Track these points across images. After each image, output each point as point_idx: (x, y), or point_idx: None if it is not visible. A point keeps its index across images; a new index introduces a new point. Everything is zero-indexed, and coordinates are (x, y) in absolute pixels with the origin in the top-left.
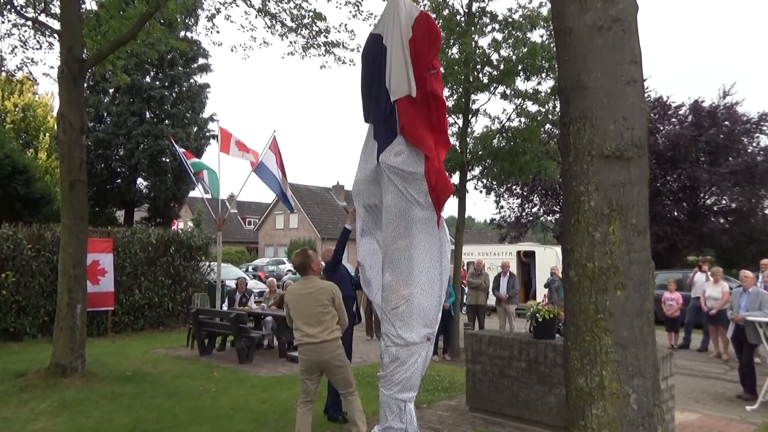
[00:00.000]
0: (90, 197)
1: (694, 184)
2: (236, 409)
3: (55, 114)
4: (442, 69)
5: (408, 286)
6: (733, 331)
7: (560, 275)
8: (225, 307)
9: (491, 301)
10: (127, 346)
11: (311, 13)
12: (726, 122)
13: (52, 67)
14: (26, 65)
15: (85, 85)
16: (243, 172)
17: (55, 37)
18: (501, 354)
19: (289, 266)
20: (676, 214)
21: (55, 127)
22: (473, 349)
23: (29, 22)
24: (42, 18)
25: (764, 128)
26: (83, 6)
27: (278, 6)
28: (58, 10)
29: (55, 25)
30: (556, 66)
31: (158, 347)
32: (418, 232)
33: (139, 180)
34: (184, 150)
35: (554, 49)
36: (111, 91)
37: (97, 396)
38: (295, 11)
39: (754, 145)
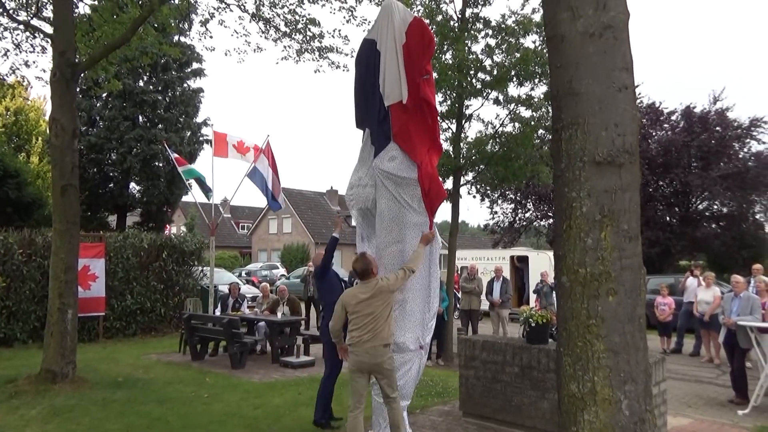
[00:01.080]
0: (82, 202)
1: (686, 189)
2: (228, 415)
3: (47, 118)
4: (435, 75)
5: (401, 291)
6: (724, 336)
7: (549, 280)
8: (218, 313)
9: (485, 305)
10: (119, 351)
11: (305, 19)
12: (717, 128)
13: (44, 71)
14: (18, 68)
15: (78, 89)
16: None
17: (47, 41)
18: (494, 359)
19: (282, 271)
20: (668, 219)
21: (48, 131)
22: (466, 354)
23: (21, 26)
24: (34, 22)
25: (755, 133)
26: (76, 10)
27: (272, 11)
28: (50, 14)
29: (48, 28)
30: (549, 72)
31: (150, 353)
32: (411, 237)
33: (132, 184)
34: (176, 156)
35: (547, 54)
36: (104, 95)
37: (87, 402)
38: (289, 16)
39: (745, 150)
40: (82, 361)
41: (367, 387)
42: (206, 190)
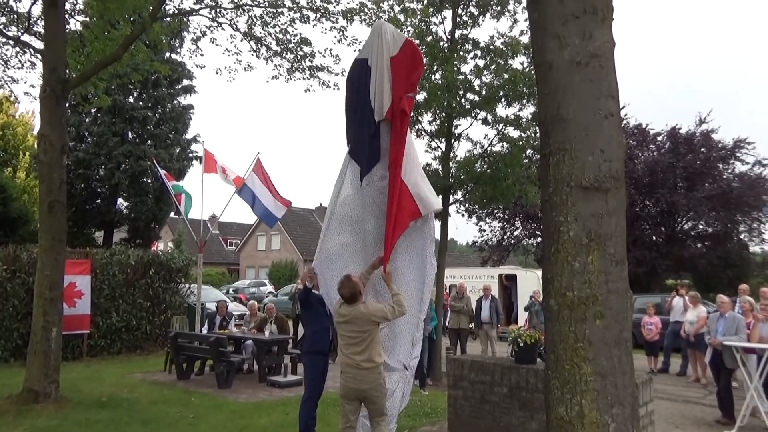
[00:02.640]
0: (68, 217)
1: (672, 209)
2: None
3: (35, 133)
4: (425, 94)
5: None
6: (710, 356)
7: (539, 300)
8: (205, 331)
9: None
10: (103, 370)
11: (297, 38)
12: (702, 149)
13: (32, 86)
14: (6, 84)
15: (67, 104)
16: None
17: (37, 57)
18: (483, 379)
19: (270, 288)
20: (654, 238)
21: (36, 146)
22: (455, 374)
23: (11, 41)
24: (24, 37)
25: (738, 155)
26: (67, 26)
27: (264, 30)
28: (41, 30)
29: (38, 44)
30: (537, 98)
31: (135, 372)
32: (400, 257)
33: (120, 200)
34: (165, 172)
35: (535, 76)
36: (92, 110)
37: (70, 423)
38: (280, 36)
39: (729, 171)
40: (65, 381)
41: (358, 411)
42: (188, 208)
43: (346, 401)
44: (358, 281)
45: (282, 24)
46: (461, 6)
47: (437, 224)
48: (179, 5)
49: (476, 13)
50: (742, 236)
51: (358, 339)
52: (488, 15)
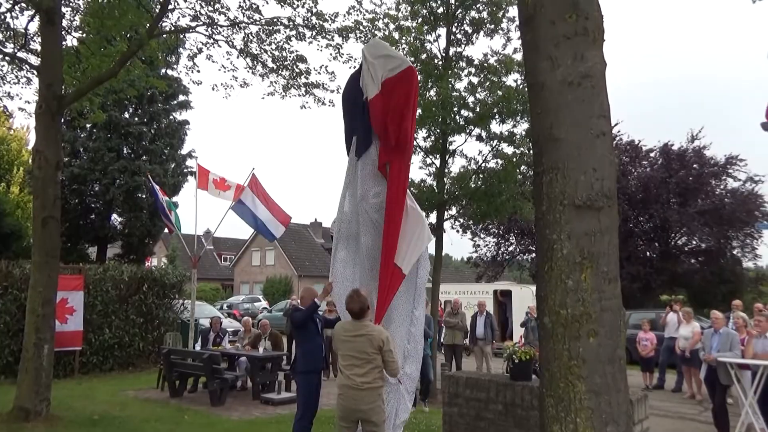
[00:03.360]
0: (62, 233)
1: (665, 224)
2: None
3: (30, 148)
4: (420, 111)
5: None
6: (705, 372)
7: (536, 315)
8: (198, 347)
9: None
10: (95, 387)
11: (293, 55)
12: (695, 165)
13: (28, 102)
14: (1, 99)
15: (62, 119)
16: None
17: (33, 73)
18: (478, 396)
19: (264, 304)
20: (648, 254)
21: (30, 162)
22: (450, 391)
23: (7, 58)
24: (21, 54)
25: (730, 171)
26: (64, 43)
27: (260, 47)
28: (37, 46)
29: (34, 60)
30: (530, 116)
31: (127, 389)
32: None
33: (114, 216)
34: (158, 188)
35: (527, 93)
36: (88, 126)
37: None
38: (276, 53)
39: (722, 187)
40: (56, 398)
41: None
42: (178, 224)
43: (344, 423)
44: (366, 296)
45: (278, 41)
46: (455, 24)
47: (432, 240)
48: (176, 22)
49: (470, 32)
50: (735, 252)
51: (363, 360)
52: (482, 33)
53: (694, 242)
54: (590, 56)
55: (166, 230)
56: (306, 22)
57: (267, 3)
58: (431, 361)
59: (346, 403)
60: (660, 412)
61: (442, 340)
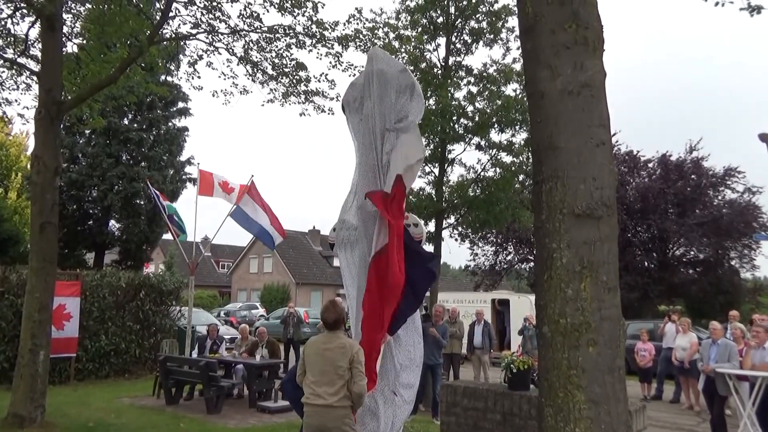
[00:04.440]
0: (60, 239)
1: (663, 235)
2: None
3: (28, 154)
4: (419, 120)
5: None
6: (704, 383)
7: (534, 324)
8: (195, 354)
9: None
10: (91, 394)
11: (293, 63)
12: (693, 176)
13: (26, 108)
14: (1, 105)
15: (61, 125)
16: (219, 215)
17: (33, 79)
18: (476, 405)
19: (261, 311)
20: (646, 264)
21: (29, 167)
22: (448, 401)
23: (7, 63)
24: (21, 59)
25: (729, 182)
26: (64, 49)
27: (260, 55)
28: (38, 52)
29: (34, 66)
30: (529, 125)
31: (123, 396)
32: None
33: (112, 222)
34: (159, 193)
35: (527, 105)
36: (87, 132)
37: None
38: (276, 60)
39: (720, 198)
40: (51, 405)
41: None
42: (181, 230)
43: None
44: (343, 309)
45: (278, 49)
46: (455, 34)
47: (431, 248)
48: (176, 29)
49: (470, 41)
50: (733, 263)
51: (336, 375)
52: (481, 43)
53: (692, 253)
54: (590, 65)
55: (164, 236)
56: (306, 30)
57: (267, 11)
58: (440, 371)
59: (311, 419)
60: (658, 423)
61: None
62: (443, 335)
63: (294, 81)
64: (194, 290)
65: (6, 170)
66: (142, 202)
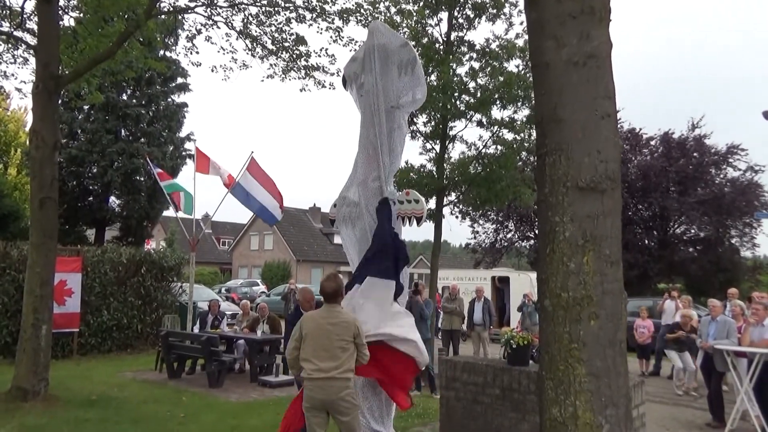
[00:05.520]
0: (60, 215)
1: (664, 213)
2: None
3: (27, 129)
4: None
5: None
6: (702, 360)
7: (533, 300)
8: (196, 330)
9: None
10: (93, 369)
11: (292, 37)
12: (695, 154)
13: (24, 82)
14: None
15: (60, 100)
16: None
17: (30, 53)
18: (475, 380)
19: (262, 288)
20: (646, 242)
21: (28, 142)
22: (447, 375)
23: (3, 36)
24: (17, 33)
25: (731, 160)
26: (61, 22)
27: (260, 29)
28: (34, 26)
29: (31, 40)
30: (533, 96)
31: (125, 370)
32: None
33: (112, 198)
34: (159, 171)
35: (530, 78)
36: (86, 107)
37: (59, 421)
38: (276, 35)
39: (721, 176)
40: (54, 379)
41: (326, 425)
42: (189, 206)
43: (313, 414)
44: (342, 283)
45: (278, 23)
46: (457, 8)
47: (431, 226)
48: (174, 2)
49: (472, 16)
50: (733, 241)
51: (339, 348)
52: (484, 18)
53: (693, 231)
54: (596, 36)
55: (165, 213)
56: (306, 4)
57: None
58: (431, 347)
59: (314, 393)
60: (655, 398)
61: (439, 325)
62: (422, 312)
63: (294, 56)
64: (195, 267)
65: (5, 146)
66: (142, 179)
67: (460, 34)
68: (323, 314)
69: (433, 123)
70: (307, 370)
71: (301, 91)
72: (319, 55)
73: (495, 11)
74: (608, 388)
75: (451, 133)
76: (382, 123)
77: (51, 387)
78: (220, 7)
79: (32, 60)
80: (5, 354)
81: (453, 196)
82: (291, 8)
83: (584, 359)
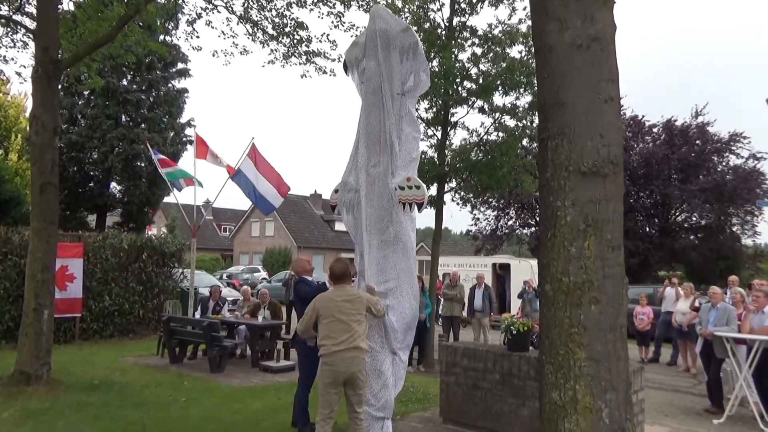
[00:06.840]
0: (61, 201)
1: (665, 200)
2: (206, 420)
3: (27, 114)
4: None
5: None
6: (701, 346)
7: (534, 287)
8: (198, 315)
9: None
10: (95, 353)
11: (293, 22)
12: (697, 141)
13: (24, 67)
14: None
15: (60, 86)
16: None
17: (29, 37)
18: (475, 366)
19: (263, 274)
20: (648, 229)
21: (28, 128)
22: (447, 361)
23: (2, 20)
24: (16, 16)
25: (734, 148)
26: (60, 6)
27: (260, 14)
28: (33, 9)
29: (30, 24)
30: (536, 82)
31: (127, 355)
32: (391, 248)
33: (113, 184)
34: (161, 157)
35: (533, 64)
36: (86, 93)
37: (62, 405)
38: (277, 19)
39: (724, 164)
40: (57, 363)
41: (339, 399)
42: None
43: (332, 390)
44: (349, 265)
45: (278, 8)
46: None
47: (432, 213)
48: None
49: (475, 1)
50: (734, 229)
51: (355, 321)
52: (486, 2)
53: (694, 219)
54: (600, 18)
55: (165, 199)
56: None
57: None
58: (426, 333)
59: (337, 367)
60: (655, 385)
61: (440, 311)
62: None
63: (295, 41)
64: (196, 253)
65: (6, 131)
66: (142, 164)
67: (463, 19)
68: (335, 293)
69: (434, 109)
70: (328, 346)
71: (302, 77)
72: (320, 41)
73: None
74: (608, 373)
75: (453, 119)
76: (389, 110)
77: (53, 371)
78: None
79: (32, 44)
80: (8, 339)
81: (454, 183)
82: None
83: (584, 344)
